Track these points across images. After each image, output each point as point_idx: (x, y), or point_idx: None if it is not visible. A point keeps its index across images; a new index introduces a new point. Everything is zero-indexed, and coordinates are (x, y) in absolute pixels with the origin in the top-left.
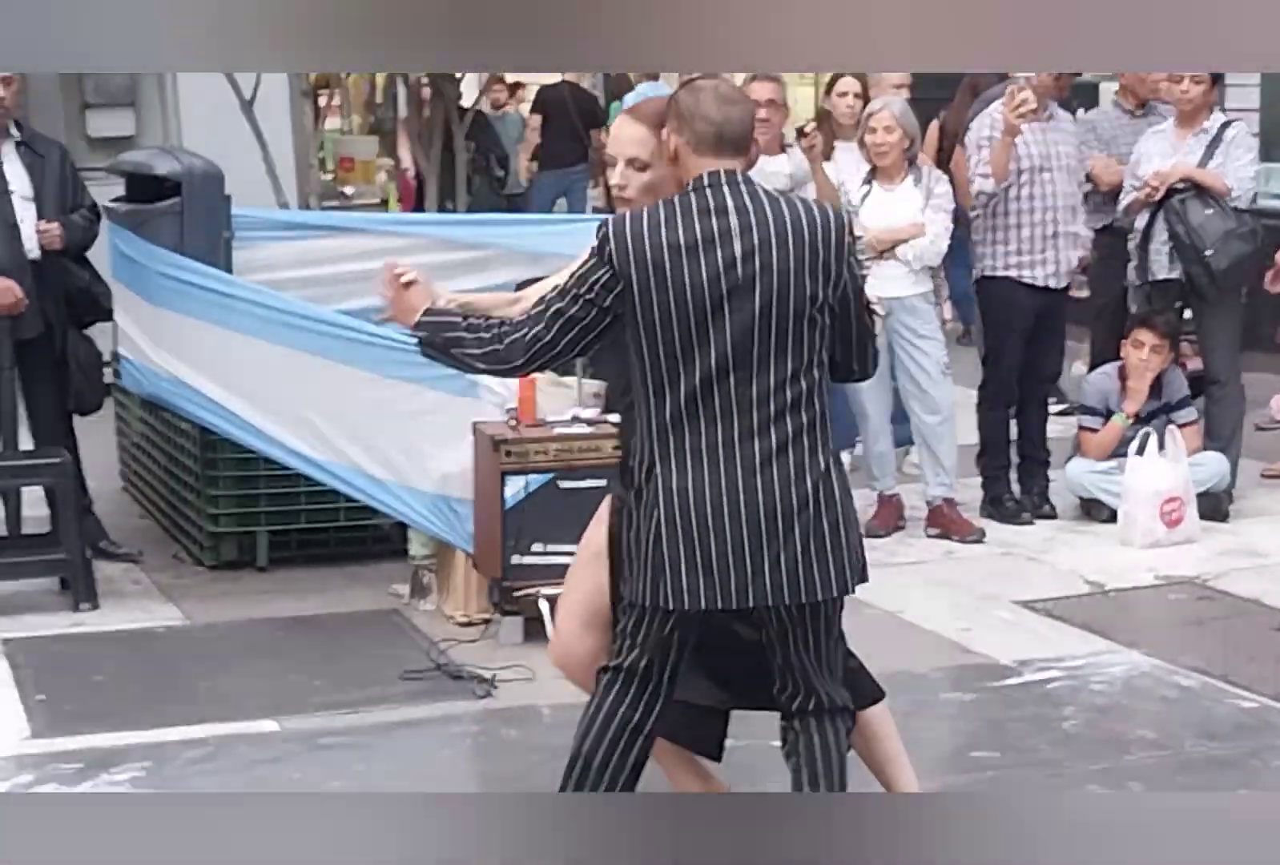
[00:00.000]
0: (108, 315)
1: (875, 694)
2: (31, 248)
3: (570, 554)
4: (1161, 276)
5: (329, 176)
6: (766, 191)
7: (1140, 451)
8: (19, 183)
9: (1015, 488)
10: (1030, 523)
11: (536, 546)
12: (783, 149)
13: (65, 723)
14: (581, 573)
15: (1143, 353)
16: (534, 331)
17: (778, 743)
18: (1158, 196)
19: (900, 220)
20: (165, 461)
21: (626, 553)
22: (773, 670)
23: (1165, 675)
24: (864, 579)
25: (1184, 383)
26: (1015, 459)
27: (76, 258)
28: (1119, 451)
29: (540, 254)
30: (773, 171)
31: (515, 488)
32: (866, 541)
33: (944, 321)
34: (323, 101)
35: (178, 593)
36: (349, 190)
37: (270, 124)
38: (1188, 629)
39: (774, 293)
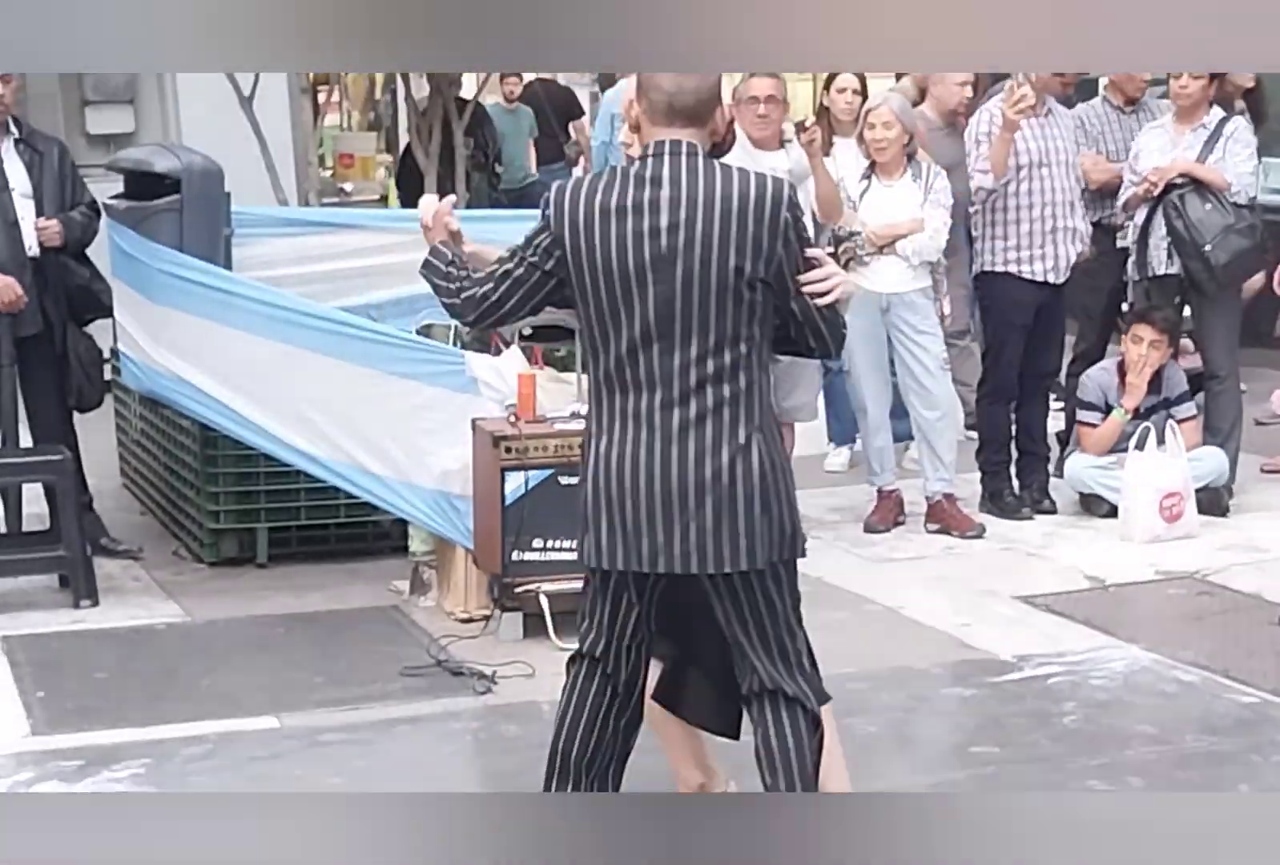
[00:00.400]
0: (107, 312)
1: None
2: (31, 245)
3: (570, 550)
4: (1160, 272)
5: (328, 173)
6: (712, 164)
7: (1140, 447)
8: (18, 180)
9: (1015, 483)
10: (1030, 518)
11: (536, 542)
12: (782, 144)
13: (65, 720)
14: None
15: (1142, 348)
16: (483, 290)
17: None
18: (1156, 192)
19: (899, 216)
20: (165, 458)
21: None
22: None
23: (1165, 670)
24: (793, 554)
25: (1183, 378)
26: (1014, 454)
27: (76, 255)
28: (1119, 447)
29: None
30: (772, 166)
31: (515, 484)
32: (866, 537)
33: (943, 317)
34: (322, 98)
35: (178, 589)
36: (348, 186)
37: (269, 121)
38: (1188, 624)
39: (696, 265)
